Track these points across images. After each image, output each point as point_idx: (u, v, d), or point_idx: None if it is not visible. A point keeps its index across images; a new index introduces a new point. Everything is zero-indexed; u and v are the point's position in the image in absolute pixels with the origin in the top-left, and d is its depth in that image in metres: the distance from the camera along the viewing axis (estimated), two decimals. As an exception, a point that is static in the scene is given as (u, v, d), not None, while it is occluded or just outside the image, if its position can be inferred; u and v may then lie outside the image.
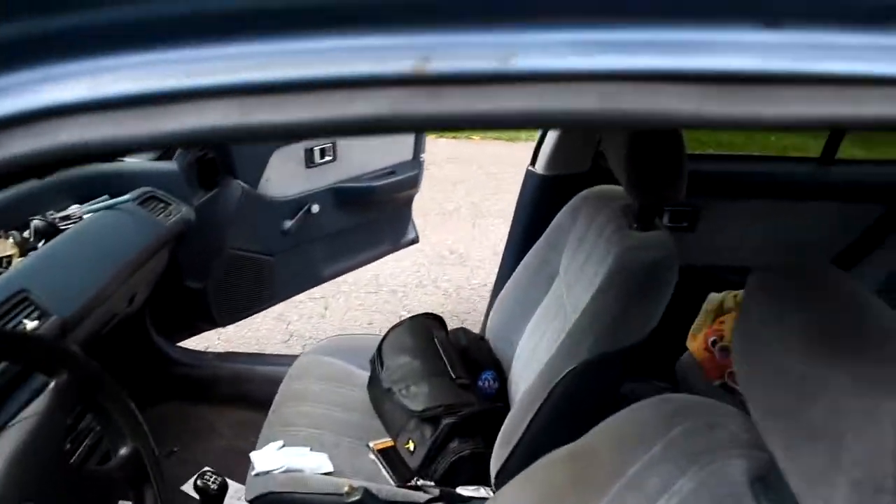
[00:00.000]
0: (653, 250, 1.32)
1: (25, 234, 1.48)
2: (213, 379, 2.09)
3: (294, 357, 1.83)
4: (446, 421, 1.46)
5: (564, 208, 1.66)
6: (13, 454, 0.82)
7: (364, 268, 2.62)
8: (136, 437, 0.99)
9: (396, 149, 2.47)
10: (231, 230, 2.05)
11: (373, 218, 2.47)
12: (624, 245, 1.35)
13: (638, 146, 1.28)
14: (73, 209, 1.59)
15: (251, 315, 2.24)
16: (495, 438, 1.46)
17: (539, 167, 1.88)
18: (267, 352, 2.60)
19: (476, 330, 1.87)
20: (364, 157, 2.36)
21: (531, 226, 1.86)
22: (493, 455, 1.39)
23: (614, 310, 1.28)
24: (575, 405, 1.29)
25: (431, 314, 1.75)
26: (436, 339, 1.64)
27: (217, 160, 1.99)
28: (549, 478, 0.98)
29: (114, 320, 1.59)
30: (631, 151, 1.29)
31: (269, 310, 2.67)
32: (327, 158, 2.24)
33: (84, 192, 1.65)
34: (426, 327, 1.69)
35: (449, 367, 1.56)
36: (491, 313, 1.80)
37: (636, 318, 1.28)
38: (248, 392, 2.05)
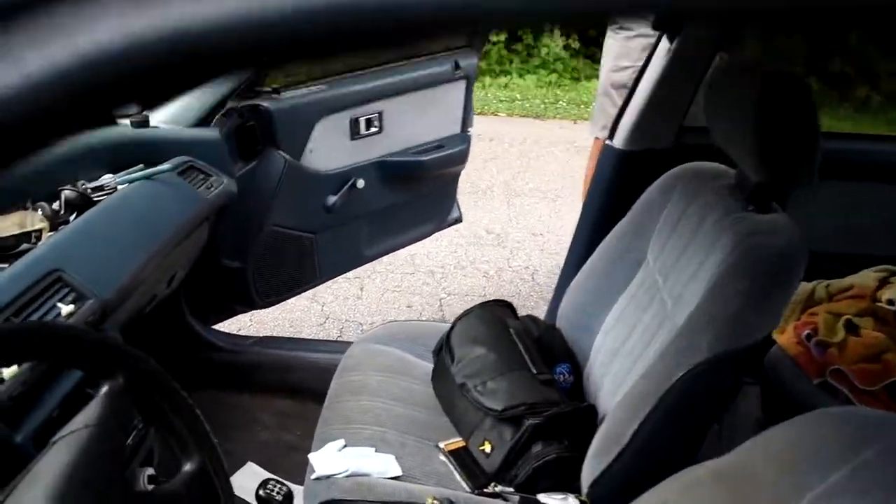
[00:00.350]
0: (779, 235, 1.15)
1: (55, 205, 1.32)
2: (253, 365, 1.94)
3: (338, 343, 1.69)
4: (530, 422, 1.30)
5: (652, 187, 1.49)
6: (63, 477, 0.66)
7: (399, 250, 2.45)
8: (202, 448, 0.84)
9: (444, 121, 2.29)
10: (273, 205, 1.89)
11: (419, 194, 2.30)
12: (742, 230, 1.18)
13: (770, 114, 1.11)
14: (107, 179, 1.42)
15: (291, 296, 2.08)
16: (581, 442, 1.31)
17: (618, 142, 1.70)
18: (302, 335, 2.45)
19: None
20: (411, 130, 2.18)
21: (609, 206, 1.69)
22: (588, 462, 1.23)
23: (736, 303, 1.11)
24: (691, 410, 1.13)
25: (501, 301, 1.59)
26: (511, 330, 1.48)
27: (258, 128, 1.82)
28: (696, 501, 0.82)
29: (153, 302, 1.43)
30: (760, 119, 1.11)
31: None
32: (373, 130, 2.07)
33: (117, 160, 1.48)
34: (498, 316, 1.53)
35: (529, 361, 1.40)
36: (563, 300, 1.63)
37: (761, 312, 1.12)
38: (292, 381, 1.90)
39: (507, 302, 1.58)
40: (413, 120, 2.17)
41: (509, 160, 4.53)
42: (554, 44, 6.27)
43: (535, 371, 1.39)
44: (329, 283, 2.70)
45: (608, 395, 1.36)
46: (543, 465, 1.29)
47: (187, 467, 0.82)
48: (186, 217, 1.46)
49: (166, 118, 1.65)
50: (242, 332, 2.25)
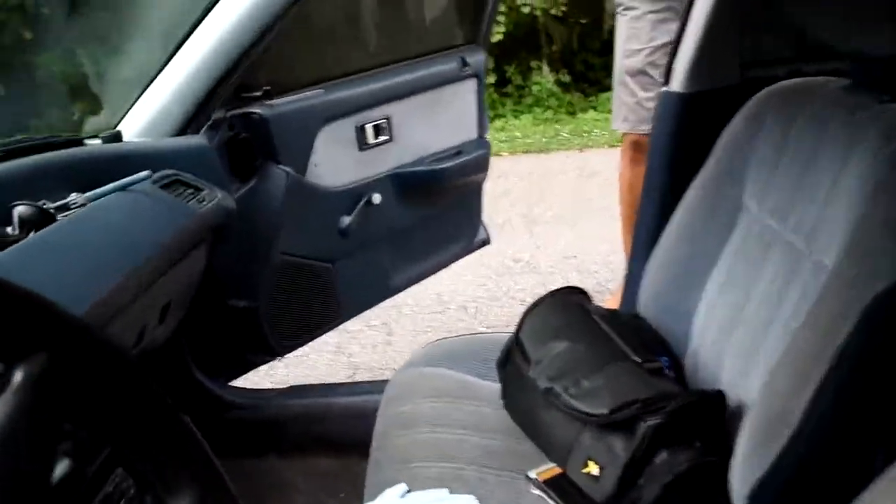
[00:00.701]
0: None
1: (8, 229, 1.04)
2: (279, 422, 1.62)
3: (376, 382, 1.39)
4: (648, 423, 0.98)
5: (732, 124, 1.23)
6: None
7: (423, 286, 2.17)
8: (199, 483, 0.53)
9: (458, 125, 2.04)
10: (280, 230, 1.61)
11: (441, 210, 2.03)
12: (891, 119, 0.90)
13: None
14: (73, 197, 1.15)
15: (313, 339, 1.77)
16: (719, 442, 0.99)
17: (676, 84, 1.43)
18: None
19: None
20: (423, 136, 1.93)
21: (678, 162, 1.41)
22: (739, 465, 0.91)
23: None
24: (876, 381, 0.82)
25: (570, 287, 1.29)
26: (594, 316, 1.17)
27: (253, 141, 1.56)
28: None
29: (143, 340, 1.14)
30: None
31: (325, 343, 2.24)
32: (382, 138, 1.81)
33: (84, 179, 1.21)
34: (573, 303, 1.23)
35: (628, 348, 1.09)
36: (642, 287, 1.34)
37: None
38: (327, 433, 1.58)
39: (577, 288, 1.28)
40: (424, 125, 1.91)
41: (521, 193, 4.28)
42: (545, 80, 6.12)
43: (638, 359, 1.07)
44: (352, 332, 2.42)
45: (737, 377, 1.05)
46: (675, 481, 0.97)
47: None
48: (174, 233, 1.18)
49: (141, 130, 1.39)
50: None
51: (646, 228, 1.48)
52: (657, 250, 1.32)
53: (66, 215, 1.09)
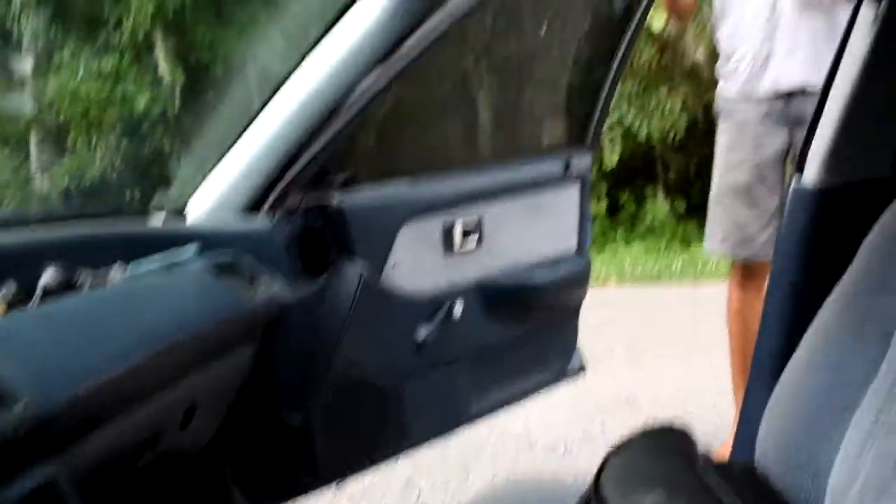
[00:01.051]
0: None
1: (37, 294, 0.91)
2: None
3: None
4: None
5: (887, 217, 0.98)
6: None
7: (506, 418, 1.92)
8: None
9: (557, 234, 1.84)
10: (345, 337, 1.43)
11: (532, 329, 1.80)
12: None
13: None
14: (115, 271, 1.02)
15: (372, 466, 1.54)
16: None
17: (811, 177, 1.18)
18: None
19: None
20: (518, 244, 1.74)
21: (811, 266, 1.15)
22: None
23: None
24: None
25: (668, 426, 1.02)
26: (698, 465, 0.90)
27: (327, 232, 1.42)
28: None
29: (159, 445, 0.96)
30: None
31: (394, 474, 2.00)
32: (471, 242, 1.63)
33: (132, 253, 1.09)
34: (672, 447, 0.96)
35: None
36: (762, 426, 1.05)
37: None
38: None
39: (679, 427, 1.01)
40: (519, 231, 1.73)
41: (627, 323, 3.99)
42: (659, 209, 5.91)
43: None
44: (426, 464, 2.16)
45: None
46: None
47: None
48: (214, 324, 1.02)
49: (209, 208, 1.27)
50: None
51: (767, 355, 1.19)
52: (782, 384, 1.04)
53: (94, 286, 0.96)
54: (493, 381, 1.75)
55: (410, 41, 1.31)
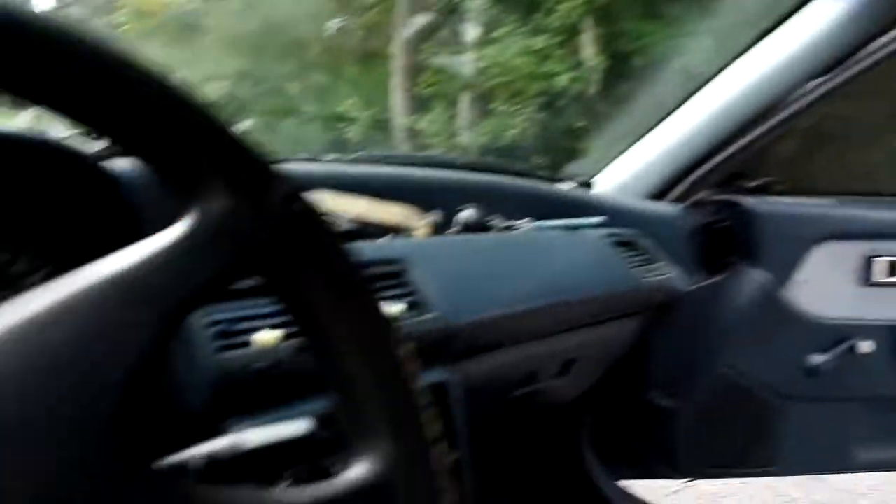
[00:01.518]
0: None
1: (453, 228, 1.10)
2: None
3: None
4: None
5: None
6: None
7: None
8: (400, 442, 0.41)
9: None
10: (731, 339, 1.39)
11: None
12: None
13: None
14: (523, 222, 1.16)
15: (731, 477, 1.49)
16: None
17: None
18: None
19: None
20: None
21: None
22: None
23: None
24: None
25: None
26: None
27: (734, 232, 1.39)
28: None
29: (535, 383, 1.07)
30: None
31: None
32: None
33: (541, 212, 1.22)
34: None
35: None
36: None
37: None
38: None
39: None
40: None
41: None
42: None
43: None
44: (792, 497, 1.99)
45: None
46: None
47: (358, 470, 0.39)
48: (604, 292, 1.09)
49: (616, 186, 1.35)
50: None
51: None
52: None
53: (503, 231, 1.11)
54: (893, 434, 1.53)
55: (860, 55, 1.20)
